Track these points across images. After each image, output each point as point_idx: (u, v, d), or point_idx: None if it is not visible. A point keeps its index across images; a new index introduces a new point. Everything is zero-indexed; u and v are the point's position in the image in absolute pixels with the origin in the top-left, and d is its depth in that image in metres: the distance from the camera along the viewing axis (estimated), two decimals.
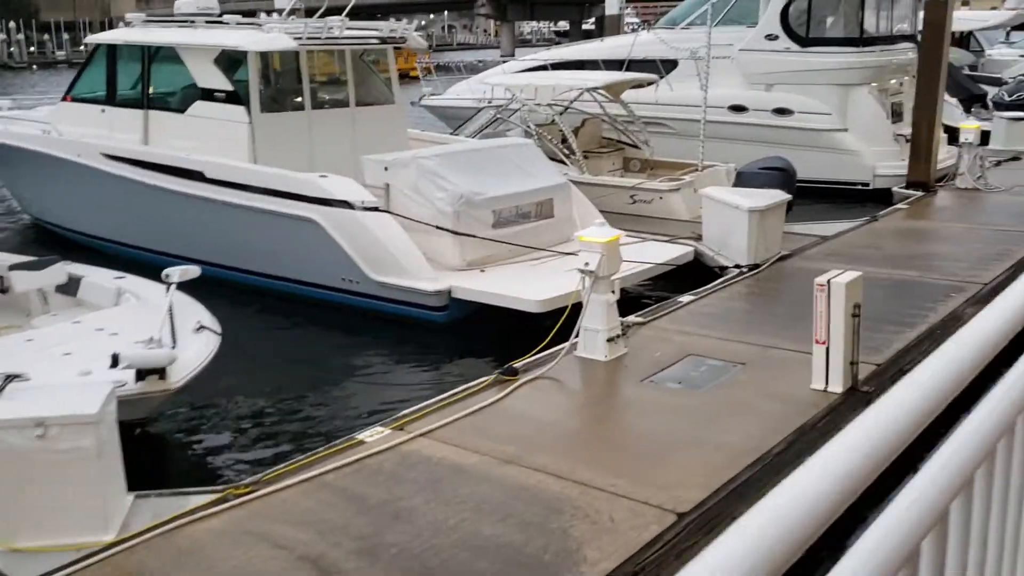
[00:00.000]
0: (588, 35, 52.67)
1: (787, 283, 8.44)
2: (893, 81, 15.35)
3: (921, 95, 12.97)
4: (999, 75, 21.63)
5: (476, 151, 10.07)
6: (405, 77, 18.90)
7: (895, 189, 13.31)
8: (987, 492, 1.45)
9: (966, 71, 21.23)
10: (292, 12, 11.39)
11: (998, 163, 14.48)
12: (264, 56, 10.58)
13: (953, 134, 13.71)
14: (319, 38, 10.42)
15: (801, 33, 15.09)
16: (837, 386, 5.70)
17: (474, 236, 8.88)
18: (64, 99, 12.35)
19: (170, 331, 5.92)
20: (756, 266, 8.89)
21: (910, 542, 1.15)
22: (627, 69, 14.48)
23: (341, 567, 4.04)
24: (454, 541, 4.23)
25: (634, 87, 13.49)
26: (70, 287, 7.74)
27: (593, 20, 63.66)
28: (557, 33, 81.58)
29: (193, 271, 6.59)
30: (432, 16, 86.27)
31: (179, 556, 4.24)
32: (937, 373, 1.36)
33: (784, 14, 15.10)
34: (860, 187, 14.44)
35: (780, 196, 9.34)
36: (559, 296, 7.38)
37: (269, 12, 10.87)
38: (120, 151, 10.64)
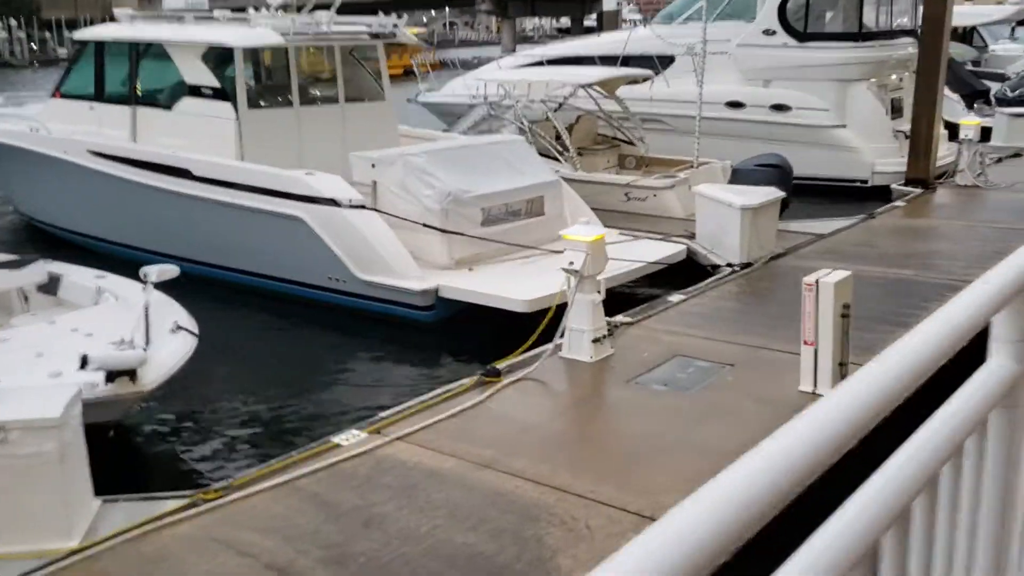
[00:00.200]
0: (589, 31, 52.50)
1: (779, 282, 8.30)
2: (893, 77, 15.17)
3: (920, 91, 12.78)
4: (1002, 71, 21.41)
5: (465, 148, 9.94)
6: (410, 74, 18.75)
7: (894, 186, 13.14)
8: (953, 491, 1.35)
9: (969, 66, 21.04)
10: (283, 8, 11.26)
11: (999, 160, 14.30)
12: (251, 52, 10.45)
13: (954, 130, 13.54)
14: (307, 34, 10.30)
15: (799, 28, 14.92)
16: (826, 388, 5.56)
17: (462, 234, 8.75)
18: (53, 96, 12.25)
19: (144, 332, 5.80)
20: (749, 265, 8.76)
21: (869, 537, 1.11)
22: (624, 65, 14.35)
23: None
24: (424, 549, 4.11)
25: (630, 83, 13.33)
26: (51, 286, 7.63)
27: (595, 16, 63.48)
28: (559, 30, 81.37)
29: (171, 270, 6.48)
30: (434, 13, 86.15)
31: (144, 564, 4.15)
32: (895, 366, 1.24)
33: (782, 9, 14.94)
34: (859, 184, 14.28)
35: (774, 194, 9.20)
36: (547, 296, 7.24)
37: (258, 7, 10.72)
38: (107, 148, 10.53)
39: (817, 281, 5.50)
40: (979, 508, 1.48)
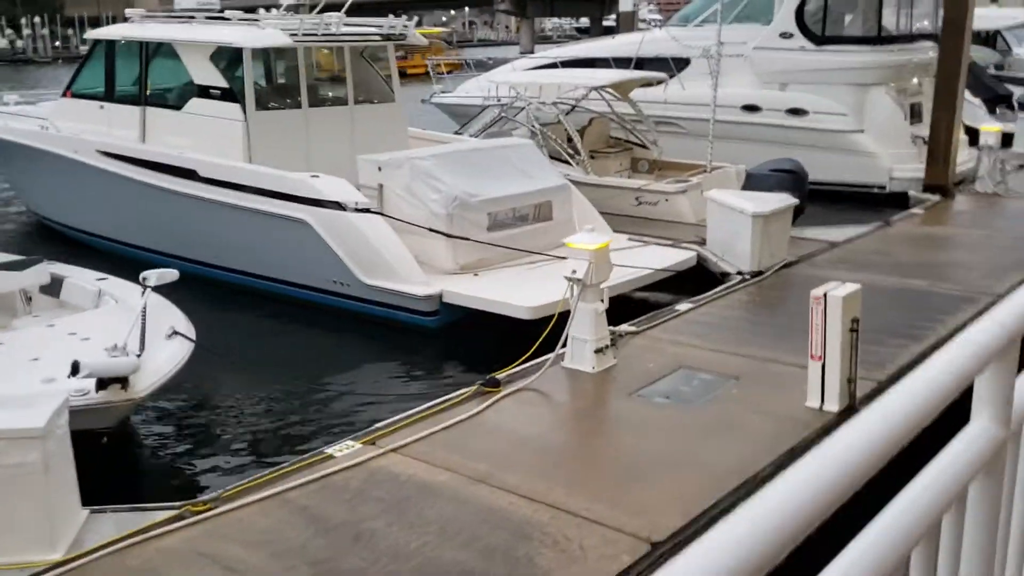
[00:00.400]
0: (608, 31, 52.32)
1: (790, 291, 8.12)
2: (913, 81, 14.90)
3: (940, 95, 12.53)
4: None
5: (473, 151, 9.82)
6: (428, 75, 18.63)
7: (912, 193, 12.90)
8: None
9: (991, 71, 20.67)
10: (295, 8, 11.21)
11: (1021, 167, 14.01)
12: (260, 53, 10.39)
13: (974, 136, 13.28)
14: (316, 35, 10.22)
15: (817, 31, 14.68)
16: (833, 404, 5.41)
17: (467, 239, 8.64)
18: (64, 95, 12.26)
19: (140, 337, 5.72)
20: (760, 273, 8.59)
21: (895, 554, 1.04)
22: (640, 67, 14.18)
23: None
24: (413, 567, 4.00)
25: (643, 86, 13.17)
26: (53, 288, 7.60)
27: (614, 16, 63.20)
28: (578, 30, 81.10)
29: (171, 274, 6.40)
30: (453, 12, 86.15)
31: None
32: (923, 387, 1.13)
33: (800, 12, 14.71)
34: (876, 190, 14.03)
35: (787, 200, 9.01)
36: (553, 303, 7.10)
37: (268, 8, 10.66)
38: (116, 148, 10.51)
39: (825, 294, 5.34)
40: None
